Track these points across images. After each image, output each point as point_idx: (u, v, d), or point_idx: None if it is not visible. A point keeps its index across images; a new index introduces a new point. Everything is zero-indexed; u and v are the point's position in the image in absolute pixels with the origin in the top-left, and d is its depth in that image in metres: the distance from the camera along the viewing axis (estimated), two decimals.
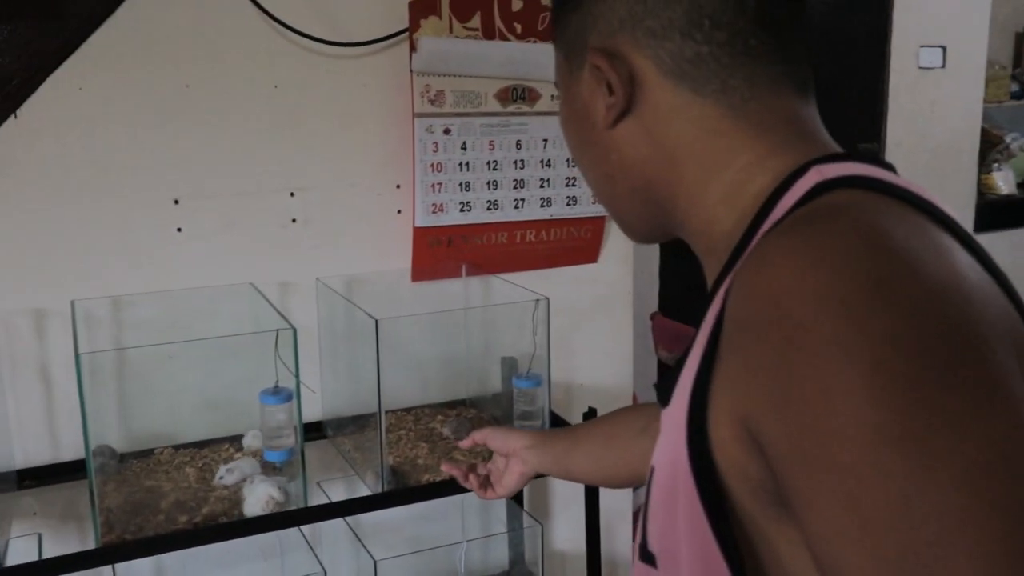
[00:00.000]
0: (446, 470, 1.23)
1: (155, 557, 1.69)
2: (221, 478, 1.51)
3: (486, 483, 1.21)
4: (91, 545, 1.51)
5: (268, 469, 1.54)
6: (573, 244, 1.89)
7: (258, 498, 1.45)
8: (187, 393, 1.66)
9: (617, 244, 1.97)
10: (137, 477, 1.55)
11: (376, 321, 1.44)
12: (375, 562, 1.53)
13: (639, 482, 1.13)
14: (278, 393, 1.46)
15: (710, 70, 0.64)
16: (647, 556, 0.66)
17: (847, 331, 0.48)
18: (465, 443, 1.24)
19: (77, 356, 1.34)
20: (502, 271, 1.85)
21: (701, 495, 0.57)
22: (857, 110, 3.35)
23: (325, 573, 1.53)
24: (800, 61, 0.66)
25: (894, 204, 0.56)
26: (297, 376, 1.44)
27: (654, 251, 3.05)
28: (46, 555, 1.50)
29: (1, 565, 1.34)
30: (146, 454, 1.63)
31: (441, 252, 1.80)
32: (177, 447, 1.65)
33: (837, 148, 0.65)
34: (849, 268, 0.49)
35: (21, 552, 1.50)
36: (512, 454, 1.18)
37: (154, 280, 1.65)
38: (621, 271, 2.00)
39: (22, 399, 1.60)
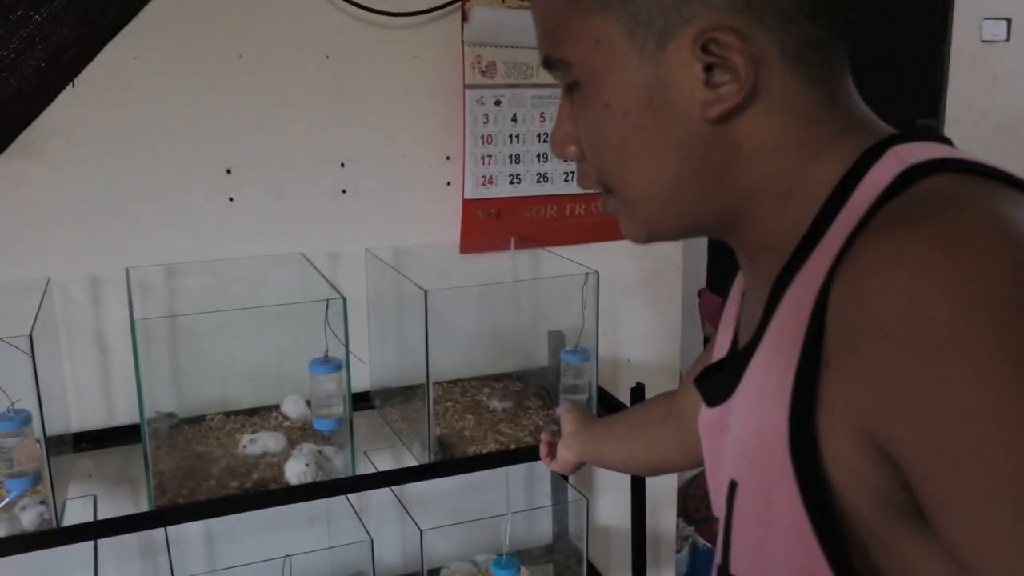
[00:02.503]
0: (544, 439, 1.25)
1: (205, 521, 1.71)
2: (244, 447, 1.52)
3: (553, 450, 1.24)
4: (144, 508, 1.54)
5: (316, 438, 1.55)
6: None
7: (293, 471, 1.47)
8: (237, 361, 1.68)
9: None
10: (189, 443, 1.57)
11: (425, 292, 1.43)
12: (421, 532, 1.54)
13: (665, 470, 1.14)
14: (328, 362, 1.47)
15: (823, 55, 0.59)
16: None
17: (1003, 328, 0.44)
18: (559, 410, 1.25)
19: (133, 322, 1.36)
20: (551, 244, 1.83)
21: (809, 512, 0.54)
22: (916, 83, 3.26)
23: (372, 541, 1.54)
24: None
25: (1000, 187, 0.52)
26: (347, 346, 1.44)
27: None
28: (101, 516, 1.54)
29: (58, 525, 1.37)
30: (197, 420, 1.65)
31: (490, 224, 1.79)
32: (228, 414, 1.67)
33: (888, 127, 0.61)
34: (991, 261, 0.45)
35: (77, 513, 1.53)
36: (564, 437, 1.20)
37: (206, 249, 1.67)
38: (670, 246, 1.97)
39: (78, 364, 1.63)
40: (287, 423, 1.63)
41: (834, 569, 0.54)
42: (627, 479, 1.64)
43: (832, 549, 0.53)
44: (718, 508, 0.69)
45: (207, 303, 1.63)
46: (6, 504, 1.35)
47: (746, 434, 0.60)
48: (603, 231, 1.87)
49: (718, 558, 0.65)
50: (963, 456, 0.45)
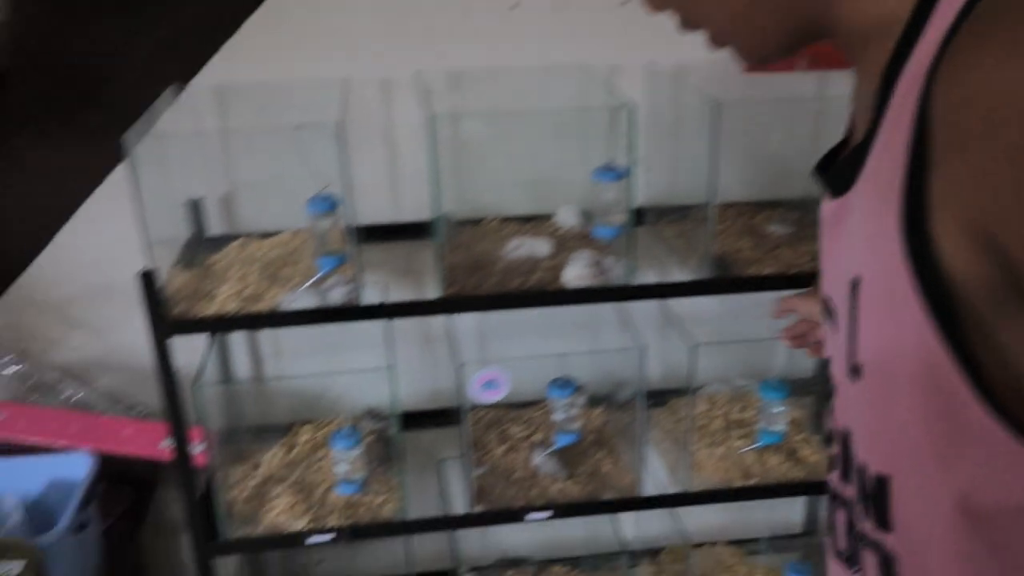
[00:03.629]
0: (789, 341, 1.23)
1: (481, 316, 1.81)
2: (510, 252, 1.56)
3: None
4: (426, 298, 1.64)
5: (592, 247, 1.57)
6: None
7: (572, 275, 1.50)
8: (517, 168, 1.71)
9: None
10: (470, 242, 1.64)
11: (718, 104, 1.37)
12: (694, 346, 1.55)
13: None
14: (611, 171, 1.46)
15: None
16: (853, 369, 0.64)
17: None
18: (779, 314, 1.24)
19: (433, 118, 1.39)
20: (842, 67, 1.69)
21: (934, 309, 0.54)
22: None
23: (644, 349, 1.56)
24: None
25: None
26: (634, 154, 1.42)
27: None
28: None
29: (360, 304, 1.48)
30: (475, 222, 1.71)
31: None
32: (504, 219, 1.72)
33: None
34: None
35: (371, 298, 1.65)
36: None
37: (489, 56, 1.68)
38: None
39: (368, 161, 1.72)
40: (560, 231, 1.66)
41: (957, 355, 0.54)
42: None
43: (953, 338, 0.54)
44: (829, 294, 0.71)
45: (490, 109, 1.65)
46: (316, 280, 1.48)
47: (865, 231, 0.60)
48: None
49: (843, 347, 0.65)
50: None
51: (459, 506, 1.78)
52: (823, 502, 2.04)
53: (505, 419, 1.86)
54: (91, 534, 1.60)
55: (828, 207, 0.70)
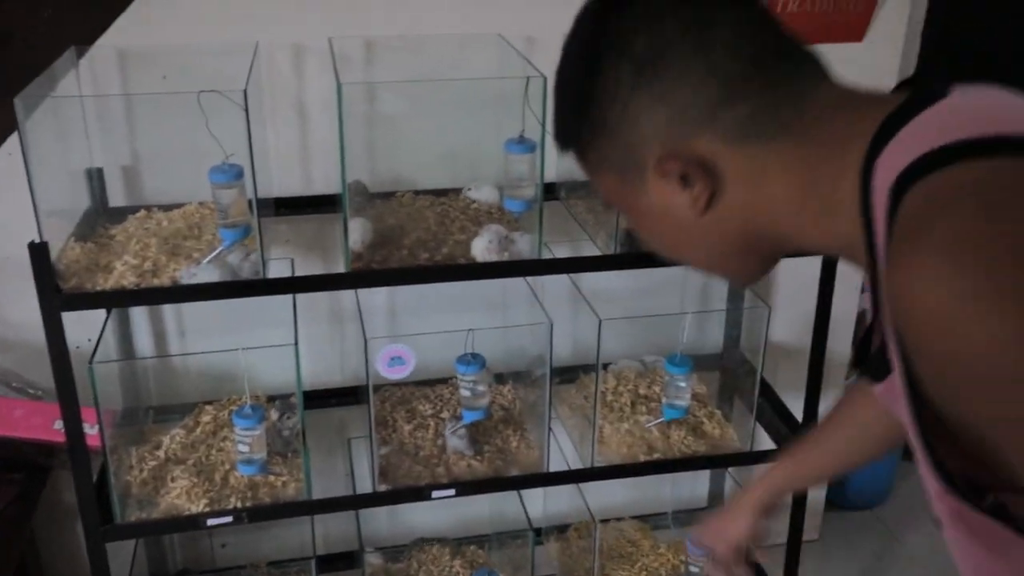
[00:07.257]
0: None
1: (391, 292, 1.79)
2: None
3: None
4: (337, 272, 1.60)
5: (503, 222, 1.56)
6: (839, 19, 1.73)
7: (479, 249, 1.48)
8: (430, 140, 1.69)
9: (887, 22, 1.79)
10: (381, 215, 1.61)
11: None
12: (600, 321, 1.56)
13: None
14: (523, 143, 1.46)
15: (765, 116, 0.67)
16: (936, 522, 0.71)
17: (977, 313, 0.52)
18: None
19: (339, 86, 1.36)
20: None
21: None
22: None
23: (552, 324, 1.56)
24: (806, 53, 0.70)
25: (981, 173, 0.56)
26: (543, 125, 1.42)
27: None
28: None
29: (264, 277, 1.44)
30: (388, 196, 1.69)
31: None
32: (417, 192, 1.70)
33: (887, 102, 0.64)
34: (958, 276, 0.53)
35: (277, 272, 1.61)
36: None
37: (404, 24, 1.65)
38: (888, 54, 1.82)
39: (279, 131, 1.68)
40: (474, 205, 1.65)
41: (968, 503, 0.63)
42: (810, 295, 1.60)
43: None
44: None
45: (403, 78, 1.63)
46: (218, 253, 1.44)
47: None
48: (815, 33, 1.74)
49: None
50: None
51: (367, 485, 1.76)
52: (726, 476, 2.09)
53: (414, 397, 1.84)
54: None
55: (881, 391, 0.75)
